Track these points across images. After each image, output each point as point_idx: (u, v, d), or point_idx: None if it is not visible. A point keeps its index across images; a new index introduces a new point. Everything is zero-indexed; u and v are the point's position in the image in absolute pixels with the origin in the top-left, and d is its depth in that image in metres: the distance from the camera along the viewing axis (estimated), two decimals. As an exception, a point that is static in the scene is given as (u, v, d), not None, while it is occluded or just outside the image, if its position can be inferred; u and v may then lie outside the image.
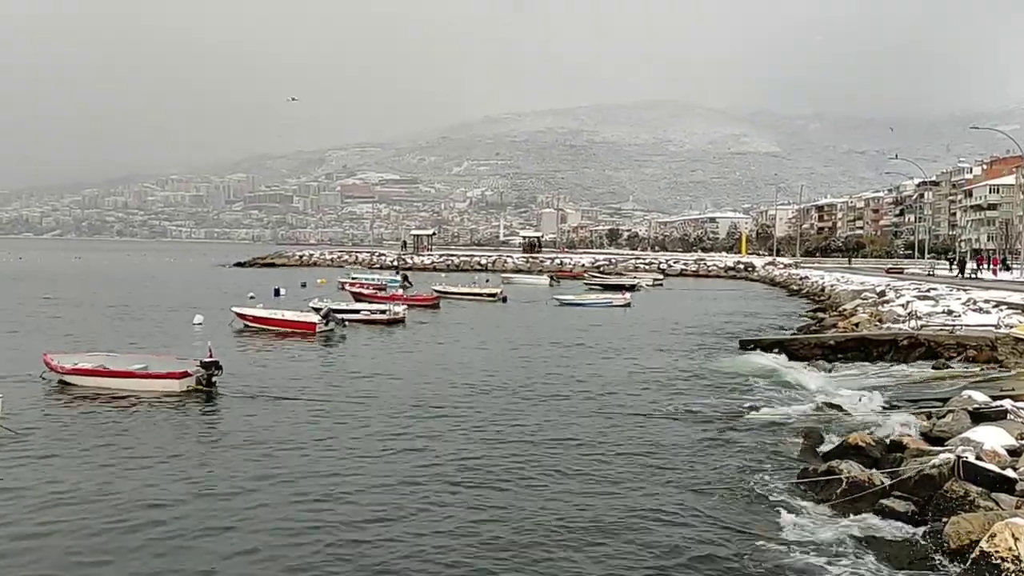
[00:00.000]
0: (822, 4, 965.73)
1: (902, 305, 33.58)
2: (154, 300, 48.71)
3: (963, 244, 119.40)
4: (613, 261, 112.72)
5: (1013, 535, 7.84)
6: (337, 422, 16.54)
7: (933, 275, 61.47)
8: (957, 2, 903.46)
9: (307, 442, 14.79)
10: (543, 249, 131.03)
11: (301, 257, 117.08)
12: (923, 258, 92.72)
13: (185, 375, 19.24)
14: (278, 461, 13.49)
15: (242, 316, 33.99)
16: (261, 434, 15.36)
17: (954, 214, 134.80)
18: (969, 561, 8.05)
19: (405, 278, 64.28)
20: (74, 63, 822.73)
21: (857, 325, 31.24)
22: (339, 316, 33.71)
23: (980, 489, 9.72)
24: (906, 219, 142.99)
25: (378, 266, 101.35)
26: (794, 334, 32.78)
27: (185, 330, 32.75)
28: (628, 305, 50.16)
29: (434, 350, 29.22)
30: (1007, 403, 13.92)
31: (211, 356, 19.57)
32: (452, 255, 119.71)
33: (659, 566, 9.45)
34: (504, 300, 53.33)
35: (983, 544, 8.00)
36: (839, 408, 17.42)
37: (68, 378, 19.83)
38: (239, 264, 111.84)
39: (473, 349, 29.38)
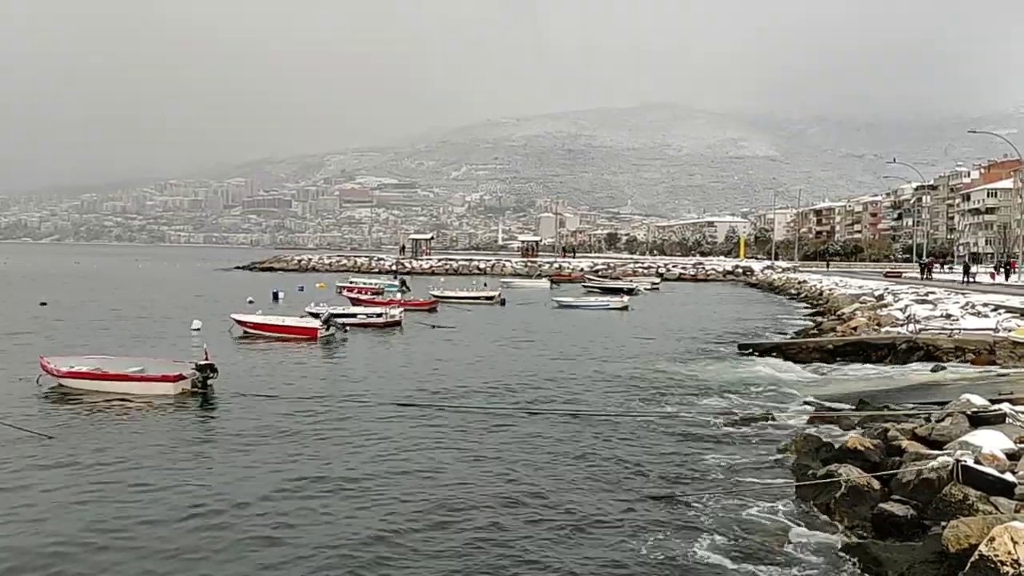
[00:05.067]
0: (822, 6, 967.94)
1: (900, 309, 33.59)
2: (154, 305, 48.68)
3: (961, 248, 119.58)
4: (611, 265, 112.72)
5: (1012, 539, 7.80)
6: (331, 424, 16.50)
7: (932, 279, 62.07)
8: (956, 6, 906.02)
9: (299, 445, 14.75)
10: (540, 253, 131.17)
11: (300, 261, 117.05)
12: (921, 262, 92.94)
13: (180, 378, 19.20)
14: (269, 463, 13.44)
15: (242, 323, 33.84)
16: (254, 437, 15.32)
17: (952, 218, 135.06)
18: (968, 565, 8.00)
19: (403, 283, 64.34)
20: (73, 67, 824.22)
21: (856, 329, 31.24)
22: (339, 321, 33.72)
23: (979, 493, 9.68)
24: (904, 223, 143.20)
25: (376, 271, 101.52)
26: (792, 338, 32.80)
27: (183, 336, 32.70)
28: (626, 308, 50.25)
29: (429, 353, 29.21)
30: (1006, 407, 13.88)
31: (207, 359, 19.56)
32: (451, 259, 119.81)
33: (655, 570, 9.41)
34: (503, 303, 53.43)
35: (982, 548, 7.96)
36: (837, 412, 17.39)
37: (64, 381, 19.80)
38: (239, 267, 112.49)
39: (468, 352, 29.36)
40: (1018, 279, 59.73)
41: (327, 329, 32.08)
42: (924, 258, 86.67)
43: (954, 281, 55.17)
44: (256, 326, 33.32)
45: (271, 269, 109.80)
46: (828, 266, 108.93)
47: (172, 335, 32.55)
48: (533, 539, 10.28)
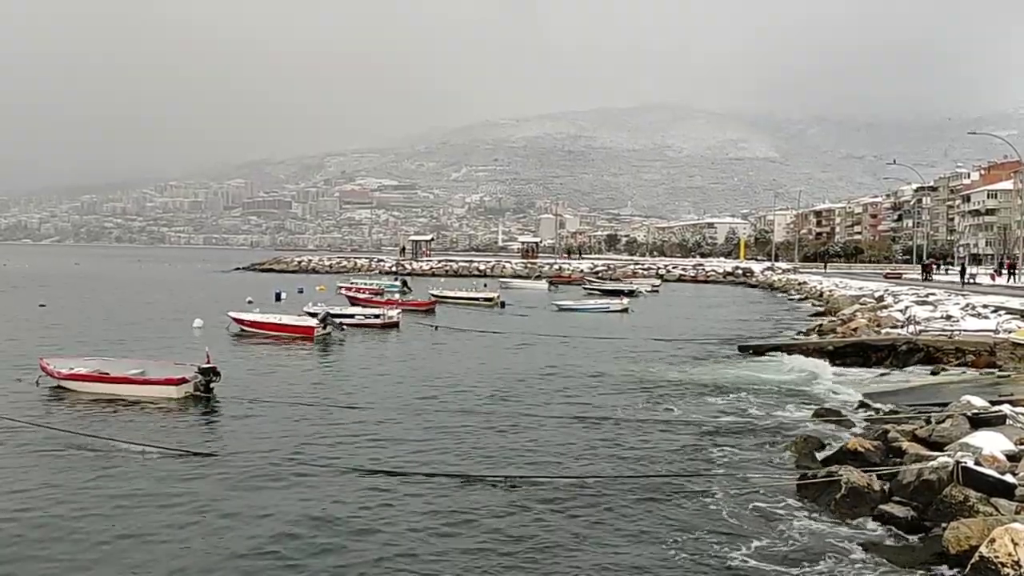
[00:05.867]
0: (822, 6, 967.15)
1: (901, 310, 33.59)
2: (154, 305, 48.67)
3: (961, 249, 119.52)
4: (611, 267, 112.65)
5: (1013, 540, 7.82)
6: (332, 426, 16.52)
7: (931, 280, 62.22)
8: (956, 6, 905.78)
9: (302, 447, 14.76)
10: (540, 254, 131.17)
11: (300, 263, 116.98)
12: (923, 263, 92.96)
13: (183, 381, 19.12)
14: (273, 467, 13.45)
15: (239, 321, 33.93)
16: (256, 440, 15.32)
17: (952, 219, 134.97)
18: (969, 566, 8.02)
19: (405, 283, 64.33)
20: (73, 67, 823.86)
21: (856, 330, 31.23)
22: (336, 320, 33.73)
23: (979, 494, 9.70)
24: (904, 224, 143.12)
25: (377, 272, 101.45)
26: (793, 339, 32.80)
27: (185, 334, 32.70)
28: (626, 310, 50.17)
29: (427, 354, 29.22)
30: (1006, 408, 13.89)
31: (209, 362, 19.49)
32: (451, 260, 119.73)
33: (657, 570, 9.42)
34: (503, 305, 53.07)
35: (983, 549, 7.97)
36: (838, 413, 17.42)
37: (65, 383, 19.74)
38: (239, 269, 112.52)
39: (465, 353, 29.36)
40: (1019, 280, 59.72)
41: (324, 328, 32.12)
42: (925, 259, 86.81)
43: (953, 282, 55.23)
44: (253, 324, 33.41)
45: (271, 270, 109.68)
46: (826, 267, 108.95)
47: (172, 334, 32.51)
48: (534, 536, 10.30)
